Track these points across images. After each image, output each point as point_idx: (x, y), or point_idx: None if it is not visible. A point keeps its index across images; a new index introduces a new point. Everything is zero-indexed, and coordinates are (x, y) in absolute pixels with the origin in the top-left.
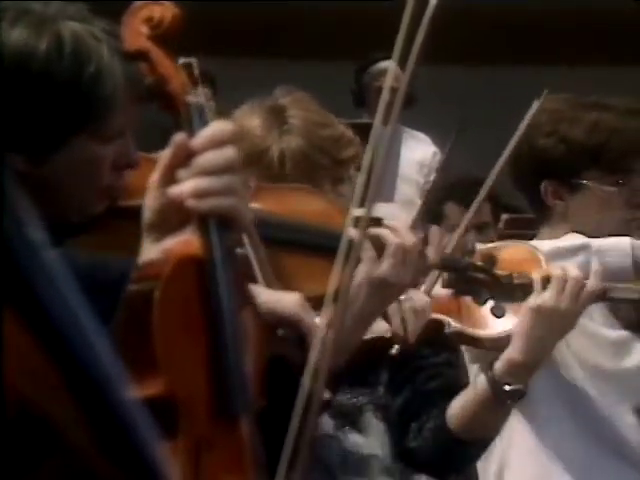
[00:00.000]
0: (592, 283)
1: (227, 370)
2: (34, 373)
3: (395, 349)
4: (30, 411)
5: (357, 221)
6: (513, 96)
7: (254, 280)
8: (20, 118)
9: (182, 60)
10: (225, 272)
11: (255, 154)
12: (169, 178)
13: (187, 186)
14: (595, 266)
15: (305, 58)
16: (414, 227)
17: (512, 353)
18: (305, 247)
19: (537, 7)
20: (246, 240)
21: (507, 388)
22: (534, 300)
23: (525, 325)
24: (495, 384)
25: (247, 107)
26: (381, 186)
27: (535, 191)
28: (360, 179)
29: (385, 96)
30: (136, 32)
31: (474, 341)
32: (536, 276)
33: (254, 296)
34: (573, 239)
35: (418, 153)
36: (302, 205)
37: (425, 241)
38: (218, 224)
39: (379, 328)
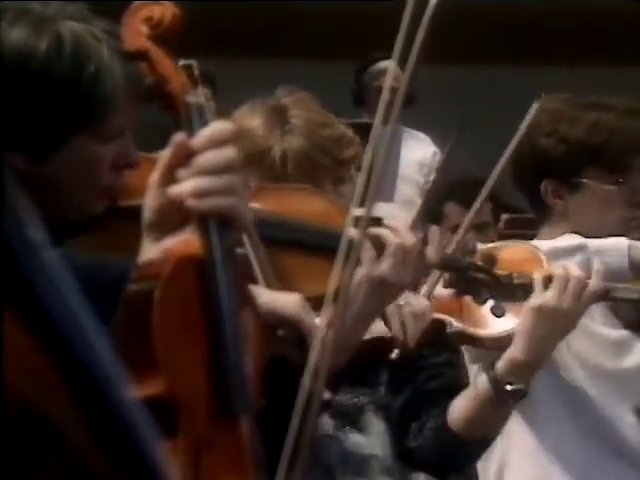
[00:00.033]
0: (594, 283)
1: (227, 370)
2: (34, 373)
3: (395, 353)
4: (30, 411)
5: (357, 221)
6: (513, 96)
7: (254, 280)
8: (20, 117)
9: (182, 62)
10: (225, 272)
11: (257, 154)
12: (169, 178)
13: (187, 186)
14: (597, 266)
15: (305, 58)
16: (414, 227)
17: (514, 352)
18: (305, 247)
19: (537, 7)
20: (246, 240)
21: (509, 388)
22: (536, 300)
23: (527, 324)
24: (497, 383)
25: (249, 107)
26: (381, 186)
27: (535, 191)
28: (360, 179)
29: (385, 96)
30: (136, 32)
31: (475, 341)
32: (538, 276)
33: (254, 296)
34: (570, 239)
35: (418, 153)
36: (302, 205)
37: (425, 241)
38: (218, 224)
39: (377, 329)
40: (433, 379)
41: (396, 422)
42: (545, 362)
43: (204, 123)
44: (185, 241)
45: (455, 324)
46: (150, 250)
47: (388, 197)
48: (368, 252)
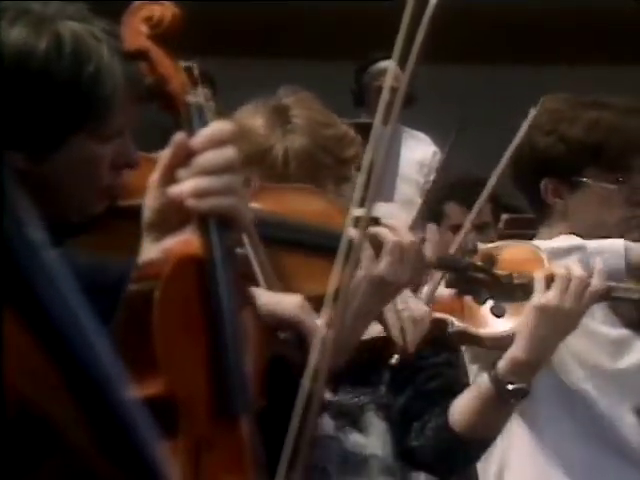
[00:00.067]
0: (596, 282)
1: (227, 370)
2: (34, 373)
3: (395, 358)
4: (30, 411)
5: (357, 221)
6: (513, 96)
7: (254, 280)
8: (20, 117)
9: (182, 64)
10: (225, 272)
11: (259, 153)
12: (169, 178)
13: (187, 186)
14: (598, 265)
15: (305, 58)
16: (414, 227)
17: (515, 352)
18: (305, 247)
19: (537, 7)
20: (246, 240)
21: (510, 387)
22: (538, 299)
23: (529, 324)
24: (498, 383)
25: (250, 107)
26: (381, 186)
27: (535, 190)
28: (360, 179)
29: (385, 96)
30: (136, 32)
31: (477, 340)
32: (539, 275)
33: (255, 298)
34: (567, 240)
35: (418, 153)
36: (302, 205)
37: (424, 240)
38: (218, 224)
39: (374, 331)
40: (434, 379)
41: (397, 422)
42: (546, 361)
43: (204, 123)
44: (185, 241)
45: (456, 323)
46: (150, 250)
47: (388, 197)
48: (366, 251)
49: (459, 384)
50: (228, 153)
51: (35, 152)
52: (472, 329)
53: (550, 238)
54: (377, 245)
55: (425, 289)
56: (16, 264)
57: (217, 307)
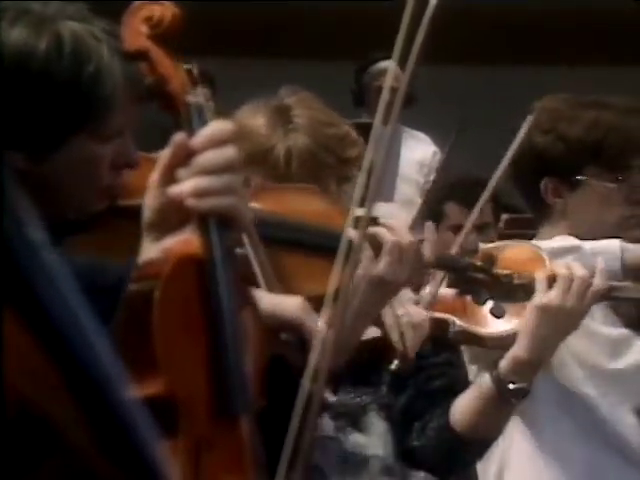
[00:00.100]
0: (597, 282)
1: (227, 370)
2: (34, 373)
3: (395, 364)
4: (30, 411)
5: (357, 221)
6: (513, 96)
7: (254, 280)
8: (20, 117)
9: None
10: (225, 272)
11: (260, 153)
12: (169, 177)
13: (187, 185)
14: (600, 265)
15: (305, 58)
16: (414, 227)
17: (517, 351)
18: (305, 247)
19: (537, 7)
20: (246, 240)
21: (511, 386)
22: (540, 299)
23: (531, 324)
24: (500, 382)
25: (251, 107)
26: (381, 186)
27: (535, 190)
28: (360, 179)
29: (385, 96)
30: (136, 32)
31: (478, 340)
32: (541, 275)
33: (255, 299)
34: (564, 240)
35: (418, 153)
36: (302, 205)
37: (422, 240)
38: (218, 223)
39: (373, 331)
40: (435, 379)
41: (398, 422)
42: (548, 361)
43: (204, 123)
44: (185, 241)
45: (458, 323)
46: (150, 250)
47: (388, 197)
48: (365, 251)
49: (460, 384)
50: (228, 153)
51: (35, 152)
52: (473, 329)
53: (550, 238)
54: (376, 245)
55: (427, 289)
56: (16, 264)
57: (217, 307)
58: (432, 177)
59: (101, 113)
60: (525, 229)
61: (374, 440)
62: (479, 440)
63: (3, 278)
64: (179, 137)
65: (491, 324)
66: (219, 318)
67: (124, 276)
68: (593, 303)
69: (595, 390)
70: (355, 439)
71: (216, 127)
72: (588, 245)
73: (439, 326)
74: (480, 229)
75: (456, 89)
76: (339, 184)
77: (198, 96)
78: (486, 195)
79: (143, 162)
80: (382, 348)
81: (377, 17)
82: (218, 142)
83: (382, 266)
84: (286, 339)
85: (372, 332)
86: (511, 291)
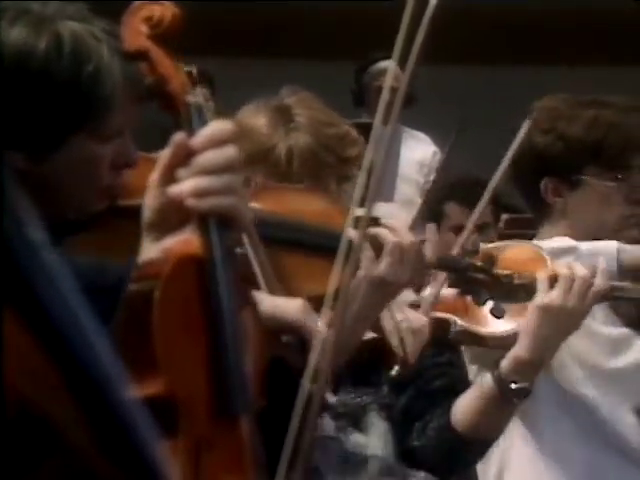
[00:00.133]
0: (599, 282)
1: (227, 370)
2: (34, 373)
3: (395, 370)
4: (30, 411)
5: (357, 221)
6: (513, 96)
7: (254, 280)
8: (20, 117)
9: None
10: (225, 272)
11: (262, 152)
12: (169, 177)
13: (187, 185)
14: (602, 265)
15: (305, 58)
16: (414, 227)
17: (519, 351)
18: (305, 247)
19: (537, 7)
20: (246, 240)
21: (513, 386)
22: (541, 299)
23: (532, 324)
24: (501, 382)
25: (252, 106)
26: (381, 186)
27: (535, 189)
28: (360, 179)
29: (385, 96)
30: (136, 32)
31: (479, 340)
32: (543, 275)
33: (256, 301)
34: (561, 241)
35: (418, 153)
36: (302, 205)
37: (424, 241)
38: (218, 223)
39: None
40: (436, 379)
41: (399, 421)
42: (549, 361)
43: (204, 123)
44: (185, 241)
45: (459, 323)
46: (150, 250)
47: (388, 197)
48: (366, 252)
49: (461, 384)
50: (228, 153)
51: (35, 152)
52: (475, 329)
53: (550, 237)
54: (377, 246)
55: (429, 289)
56: (16, 264)
57: (217, 307)
58: (432, 177)
59: (101, 113)
60: (525, 229)
61: (374, 440)
62: (480, 440)
63: (3, 278)
64: (179, 137)
65: (492, 324)
66: (219, 318)
67: (124, 276)
68: (594, 303)
69: (595, 390)
70: (355, 439)
71: (216, 127)
72: (585, 246)
73: (440, 326)
74: (480, 229)
75: (456, 89)
76: (339, 183)
77: (198, 96)
78: (487, 196)
79: (143, 162)
80: (382, 348)
81: (377, 17)
82: (218, 142)
83: (383, 267)
84: (287, 341)
85: (372, 334)
86: (511, 291)
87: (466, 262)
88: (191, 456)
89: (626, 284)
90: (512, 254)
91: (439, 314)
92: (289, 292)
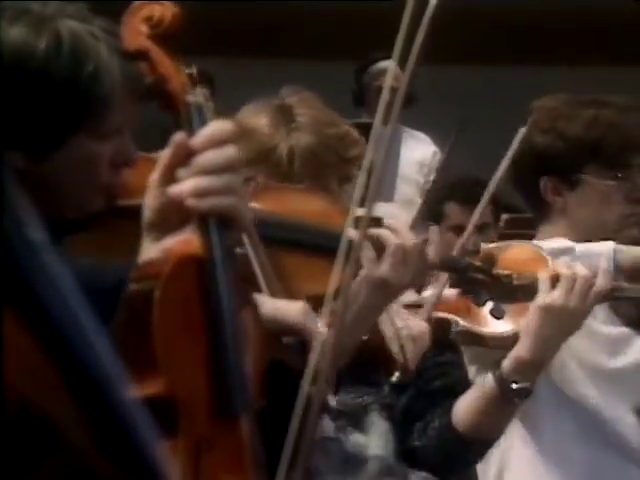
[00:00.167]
0: (601, 282)
1: (227, 370)
2: (34, 373)
3: (395, 376)
4: (30, 411)
5: (357, 221)
6: (513, 96)
7: (254, 280)
8: (19, 116)
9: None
10: (225, 272)
11: (263, 152)
12: (169, 177)
13: (187, 185)
14: (603, 266)
15: (305, 58)
16: (414, 227)
17: (520, 351)
18: (305, 247)
19: (537, 7)
20: (246, 240)
21: (514, 386)
22: (543, 299)
23: (533, 324)
24: (503, 382)
25: (253, 106)
26: (381, 186)
27: (534, 189)
28: (360, 179)
29: (385, 96)
30: (136, 31)
31: (481, 340)
32: (544, 275)
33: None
34: (557, 242)
35: (418, 153)
36: (302, 205)
37: (426, 241)
38: (218, 223)
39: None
40: (437, 378)
41: (399, 421)
42: (550, 361)
43: (204, 123)
44: (185, 241)
45: (461, 323)
46: (150, 250)
47: (388, 197)
48: (368, 253)
49: (462, 384)
50: (228, 152)
51: (34, 151)
52: (476, 329)
53: (550, 236)
54: (379, 247)
55: (431, 290)
56: (16, 264)
57: (217, 307)
58: (432, 177)
59: (100, 112)
60: (525, 229)
61: (375, 440)
62: (481, 440)
63: (3, 278)
64: (179, 137)
65: (493, 324)
66: (219, 318)
67: (124, 276)
68: (596, 303)
69: (595, 390)
70: (356, 439)
71: (216, 127)
72: (580, 246)
73: (441, 326)
74: (480, 229)
75: (456, 89)
76: (341, 183)
77: (198, 96)
78: (487, 196)
79: (143, 162)
80: (380, 347)
81: (377, 17)
82: (218, 142)
83: (385, 268)
84: (288, 343)
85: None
86: (511, 292)
87: (466, 262)
88: (191, 456)
89: (628, 284)
90: (513, 254)
91: (440, 314)
92: (289, 292)
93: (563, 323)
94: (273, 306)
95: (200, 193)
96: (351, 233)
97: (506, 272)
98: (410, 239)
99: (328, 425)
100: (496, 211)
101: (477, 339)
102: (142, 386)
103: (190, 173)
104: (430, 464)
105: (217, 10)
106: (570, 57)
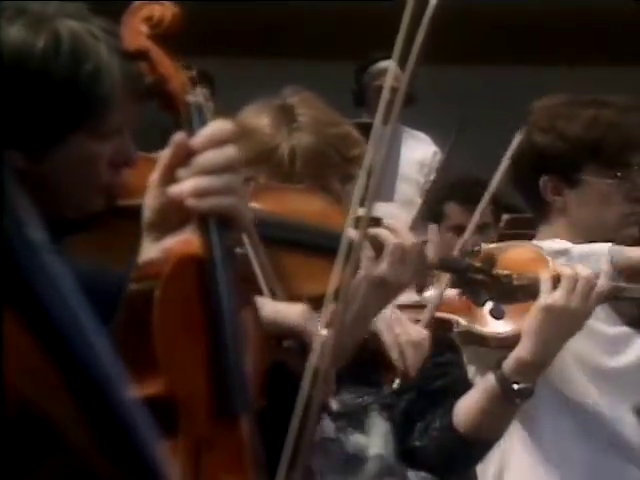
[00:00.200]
0: (602, 283)
1: (227, 370)
2: (34, 373)
3: (396, 383)
4: (30, 411)
5: (357, 221)
6: (513, 96)
7: (254, 280)
8: (18, 115)
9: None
10: (225, 272)
11: (265, 152)
12: (169, 177)
13: (187, 185)
14: (605, 266)
15: (305, 58)
16: (414, 227)
17: (521, 352)
18: (305, 247)
19: (537, 7)
20: (246, 240)
21: (515, 387)
22: (545, 299)
23: (535, 324)
24: (504, 383)
25: (255, 106)
26: (381, 186)
27: (534, 188)
28: (360, 179)
29: (385, 96)
30: (136, 31)
31: (482, 340)
32: (546, 275)
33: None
34: (553, 243)
35: (418, 153)
36: (302, 205)
37: (425, 241)
38: (218, 223)
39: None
40: (437, 379)
41: (400, 422)
42: (551, 361)
43: (204, 123)
44: (185, 241)
45: (462, 323)
46: (150, 250)
47: (388, 197)
48: (367, 252)
49: (462, 384)
50: (228, 152)
51: (34, 151)
52: (477, 329)
53: (550, 236)
54: (378, 246)
55: (432, 291)
56: (16, 264)
57: (217, 307)
58: (432, 177)
59: (99, 111)
60: (526, 229)
61: (376, 440)
62: (482, 440)
63: (3, 278)
64: (179, 137)
65: (495, 325)
66: (219, 318)
67: (124, 277)
68: (597, 304)
69: (595, 389)
70: (356, 440)
71: (216, 127)
72: (577, 248)
73: (443, 326)
74: (480, 229)
75: (456, 89)
76: (342, 183)
77: (198, 96)
78: (488, 196)
79: (143, 162)
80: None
81: (377, 17)
82: (218, 142)
83: (384, 267)
84: (288, 346)
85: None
86: (511, 292)
87: (466, 263)
88: (191, 456)
89: (629, 285)
90: (513, 255)
91: (441, 314)
92: (289, 292)
93: (564, 323)
94: (274, 309)
95: (200, 193)
96: (351, 233)
97: (506, 272)
98: (409, 238)
99: (328, 426)
100: (496, 211)
101: (478, 339)
102: (142, 386)
103: (190, 173)
104: (430, 464)
105: (217, 10)
106: (570, 57)
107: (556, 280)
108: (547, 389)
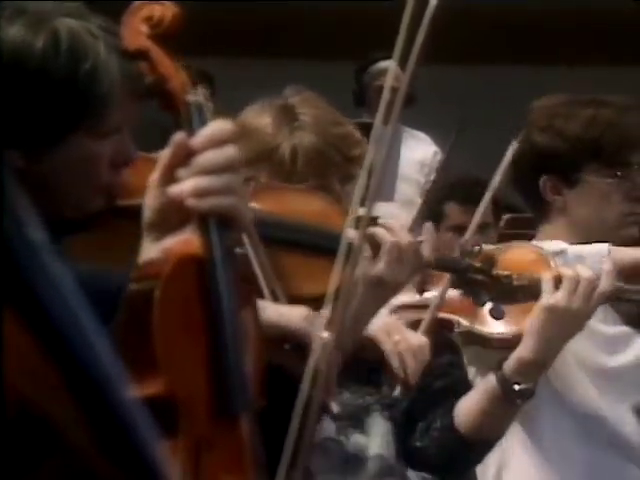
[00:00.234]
0: (604, 284)
1: (227, 370)
2: (34, 373)
3: (397, 392)
4: (30, 411)
5: (357, 221)
6: (513, 96)
7: (254, 280)
8: (17, 115)
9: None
10: (225, 272)
11: (266, 152)
12: (169, 177)
13: (187, 185)
14: (607, 267)
15: (305, 58)
16: (414, 227)
17: (522, 352)
18: (305, 247)
19: (537, 7)
20: (246, 240)
21: (517, 387)
22: (546, 300)
23: (536, 324)
24: (505, 383)
25: (256, 106)
26: (381, 186)
27: (534, 188)
28: (360, 179)
29: (385, 96)
30: (136, 31)
31: (483, 340)
32: (548, 276)
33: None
34: (550, 244)
35: (418, 152)
36: (302, 205)
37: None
38: (218, 223)
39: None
40: (438, 379)
41: (401, 422)
42: (553, 362)
43: (204, 122)
44: (185, 241)
45: (463, 324)
46: (150, 250)
47: (388, 197)
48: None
49: (462, 384)
50: (228, 152)
51: (33, 150)
52: (478, 329)
53: (550, 236)
54: (375, 245)
55: (431, 291)
56: (16, 264)
57: (217, 307)
58: (432, 177)
59: (98, 110)
60: (526, 229)
61: (376, 440)
62: (483, 441)
63: (3, 278)
64: (179, 137)
65: (496, 325)
66: (219, 318)
67: (124, 277)
68: (599, 304)
69: (595, 389)
70: (357, 440)
71: (216, 127)
72: (574, 249)
73: (444, 327)
74: (480, 229)
75: (456, 89)
76: (343, 183)
77: (198, 96)
78: (488, 196)
79: (143, 162)
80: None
81: (377, 17)
82: (218, 142)
83: (381, 266)
84: (290, 349)
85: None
86: (511, 292)
87: (465, 263)
88: (191, 456)
89: (631, 285)
90: (513, 255)
91: (443, 315)
92: (289, 292)
93: (566, 324)
94: (276, 312)
95: (200, 193)
96: (351, 233)
97: (506, 273)
98: (405, 237)
99: (329, 426)
100: (496, 211)
101: (479, 339)
102: (142, 386)
103: (190, 173)
104: (431, 464)
105: (217, 10)
106: (570, 57)
107: (558, 281)
108: (547, 389)
